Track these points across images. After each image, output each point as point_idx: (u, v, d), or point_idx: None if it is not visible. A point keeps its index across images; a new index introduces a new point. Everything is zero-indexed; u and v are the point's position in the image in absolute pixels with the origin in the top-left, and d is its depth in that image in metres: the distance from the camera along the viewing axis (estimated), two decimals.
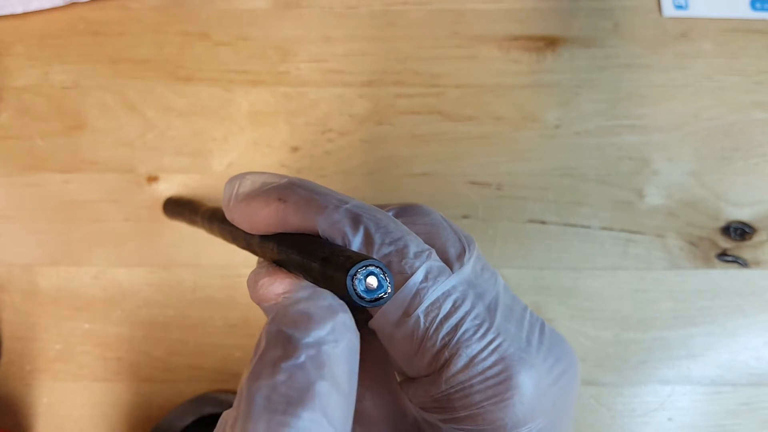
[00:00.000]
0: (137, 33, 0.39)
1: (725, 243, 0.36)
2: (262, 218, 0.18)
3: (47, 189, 0.37)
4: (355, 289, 0.14)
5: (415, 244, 0.17)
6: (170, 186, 0.37)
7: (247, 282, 0.19)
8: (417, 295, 0.16)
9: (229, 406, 0.34)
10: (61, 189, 0.37)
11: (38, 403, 0.35)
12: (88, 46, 0.39)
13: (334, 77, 0.39)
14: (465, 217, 0.37)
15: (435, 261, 0.17)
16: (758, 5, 0.39)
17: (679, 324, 0.35)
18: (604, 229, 0.37)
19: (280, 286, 0.17)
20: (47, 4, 0.39)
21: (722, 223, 0.37)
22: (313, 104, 0.38)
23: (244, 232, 0.20)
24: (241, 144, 0.38)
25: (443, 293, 0.16)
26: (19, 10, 0.39)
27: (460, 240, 0.18)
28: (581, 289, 0.36)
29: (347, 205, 0.17)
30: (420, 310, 0.16)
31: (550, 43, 0.39)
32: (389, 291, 0.15)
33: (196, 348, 0.35)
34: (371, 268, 0.14)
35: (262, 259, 0.20)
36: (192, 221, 0.30)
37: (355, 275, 0.14)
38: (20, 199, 0.37)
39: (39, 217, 0.37)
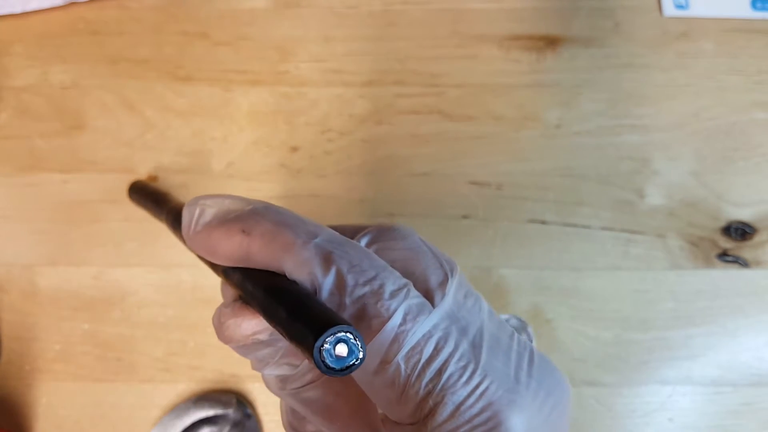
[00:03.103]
0: (136, 33, 0.39)
1: (726, 243, 0.36)
2: (225, 252, 0.17)
3: (46, 189, 0.37)
4: (323, 361, 0.13)
5: (391, 281, 0.15)
6: (170, 186, 0.37)
7: (213, 321, 0.18)
8: (396, 341, 0.15)
9: (229, 406, 0.34)
10: (61, 189, 0.37)
11: (38, 403, 0.35)
12: (88, 45, 0.39)
13: (334, 77, 0.38)
14: (465, 217, 0.37)
15: (414, 298, 0.15)
16: (759, 5, 0.39)
17: (679, 324, 0.35)
18: (604, 229, 0.36)
19: (247, 327, 0.16)
20: (46, 4, 0.39)
21: (723, 223, 0.36)
22: (312, 104, 0.38)
23: None
24: (241, 144, 0.38)
25: (424, 335, 0.15)
26: (18, 9, 0.39)
27: (441, 266, 0.17)
28: (582, 290, 0.36)
29: (317, 240, 0.16)
30: (400, 357, 0.15)
31: (551, 42, 0.39)
32: (361, 356, 0.13)
33: (195, 348, 0.35)
34: (340, 335, 0.13)
35: (225, 286, 0.18)
36: (156, 216, 0.28)
37: (323, 346, 0.13)
38: (19, 199, 0.37)
39: (38, 217, 0.37)
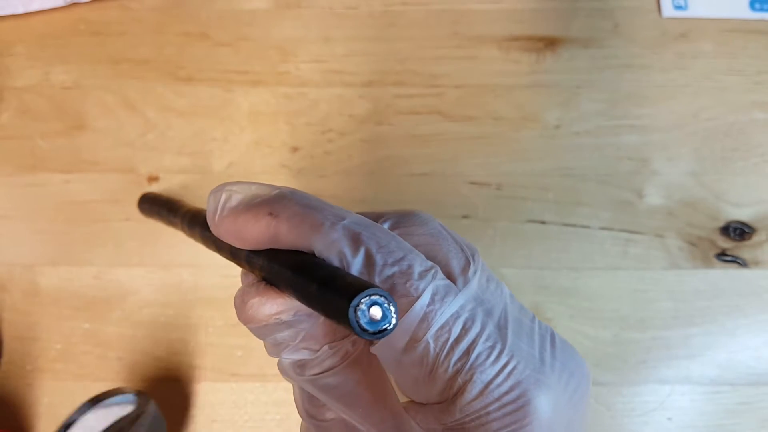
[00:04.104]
0: (138, 33, 0.39)
1: (725, 243, 0.36)
2: (252, 234, 0.17)
3: (48, 189, 0.37)
4: (358, 321, 0.13)
5: (418, 262, 0.16)
6: (170, 186, 0.37)
7: (234, 301, 0.18)
8: (425, 319, 0.15)
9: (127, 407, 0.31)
10: (62, 189, 0.37)
11: (39, 403, 0.35)
12: (89, 46, 0.39)
13: (334, 77, 0.39)
14: (465, 217, 0.37)
15: (441, 280, 0.16)
16: (757, 5, 0.39)
17: (678, 324, 0.35)
18: (603, 229, 0.37)
19: (271, 306, 0.17)
20: (48, 5, 0.39)
21: (722, 223, 0.37)
22: (313, 104, 0.38)
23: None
24: (242, 144, 0.38)
25: (452, 315, 0.15)
26: (20, 10, 0.39)
27: (462, 250, 0.17)
28: (581, 289, 0.36)
29: (345, 222, 0.16)
30: (429, 335, 0.15)
31: (550, 43, 0.39)
32: (394, 322, 0.13)
33: (196, 348, 0.36)
34: (375, 298, 0.13)
35: (246, 273, 0.19)
36: (171, 223, 0.28)
37: (358, 306, 0.13)
38: (21, 199, 0.37)
39: (40, 217, 0.37)
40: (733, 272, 0.36)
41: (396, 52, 0.39)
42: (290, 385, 0.35)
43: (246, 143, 0.38)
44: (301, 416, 0.19)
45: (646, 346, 0.35)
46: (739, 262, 0.36)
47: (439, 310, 0.15)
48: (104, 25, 0.39)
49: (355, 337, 0.17)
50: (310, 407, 0.19)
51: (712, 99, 0.38)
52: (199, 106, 0.38)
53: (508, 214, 0.37)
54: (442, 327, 0.15)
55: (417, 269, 0.16)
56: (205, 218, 0.23)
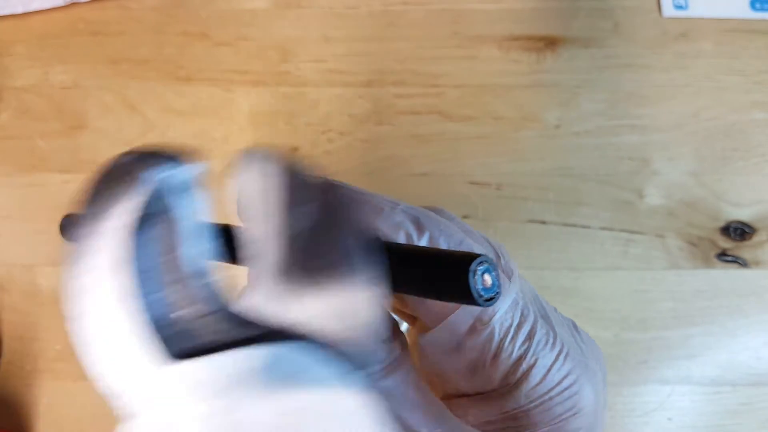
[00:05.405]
0: (137, 33, 0.39)
1: (725, 243, 0.36)
2: None
3: (48, 189, 0.37)
4: (476, 287, 0.13)
5: (476, 247, 0.16)
6: None
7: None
8: None
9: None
10: (62, 189, 0.37)
11: (38, 403, 0.35)
12: (89, 46, 0.39)
13: (334, 77, 0.39)
14: (465, 217, 0.37)
15: (498, 267, 0.15)
16: (758, 5, 0.39)
17: (678, 324, 0.35)
18: (604, 229, 0.37)
19: None
20: (48, 5, 0.39)
21: (722, 223, 0.37)
22: (313, 104, 0.38)
23: None
24: (242, 144, 0.38)
25: (513, 302, 0.16)
26: (20, 10, 0.39)
27: (490, 244, 0.18)
28: (581, 289, 0.36)
29: (401, 207, 0.16)
30: (495, 319, 0.15)
31: (550, 43, 0.39)
32: (499, 291, 0.13)
33: None
34: (487, 265, 0.13)
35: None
36: None
37: (476, 271, 0.13)
38: (21, 199, 0.37)
39: (39, 218, 0.37)
40: (733, 272, 0.36)
41: (396, 52, 0.39)
42: None
43: (246, 143, 0.38)
44: None
45: (647, 346, 0.35)
46: (740, 262, 0.36)
47: (502, 296, 0.15)
48: (104, 25, 0.39)
49: (393, 343, 0.16)
50: None
51: (712, 99, 0.38)
52: (199, 106, 0.38)
53: (508, 214, 0.37)
54: (506, 312, 0.15)
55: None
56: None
